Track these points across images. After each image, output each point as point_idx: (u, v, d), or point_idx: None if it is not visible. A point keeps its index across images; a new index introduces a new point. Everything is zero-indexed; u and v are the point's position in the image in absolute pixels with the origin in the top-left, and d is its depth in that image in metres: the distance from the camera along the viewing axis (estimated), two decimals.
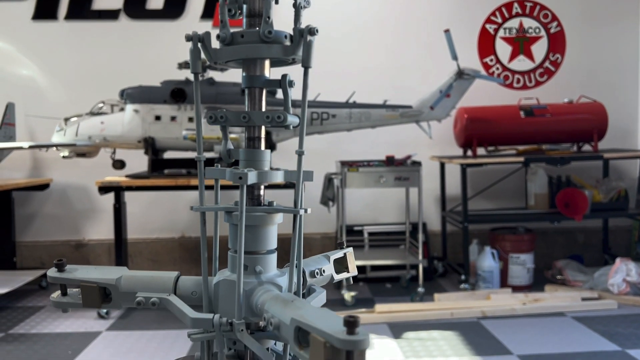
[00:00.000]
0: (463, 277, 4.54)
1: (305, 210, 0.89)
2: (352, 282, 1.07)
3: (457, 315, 3.95)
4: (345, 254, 1.04)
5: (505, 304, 4.05)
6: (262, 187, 0.92)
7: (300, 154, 0.85)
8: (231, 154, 0.89)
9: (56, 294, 0.96)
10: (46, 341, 3.61)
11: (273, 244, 0.91)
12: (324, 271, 0.99)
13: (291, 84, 0.86)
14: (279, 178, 0.89)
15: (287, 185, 3.70)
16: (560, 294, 4.27)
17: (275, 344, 0.91)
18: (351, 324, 0.58)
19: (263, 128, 0.90)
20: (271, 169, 0.90)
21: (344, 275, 1.04)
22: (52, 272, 0.94)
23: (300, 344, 0.67)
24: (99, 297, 0.93)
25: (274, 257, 0.91)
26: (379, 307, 4.00)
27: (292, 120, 0.86)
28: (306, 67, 0.83)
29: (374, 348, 3.33)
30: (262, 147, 0.90)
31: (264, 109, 0.88)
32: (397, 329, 3.72)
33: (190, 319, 0.85)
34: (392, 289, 4.76)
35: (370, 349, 0.65)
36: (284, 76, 0.85)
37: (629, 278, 4.24)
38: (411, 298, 4.34)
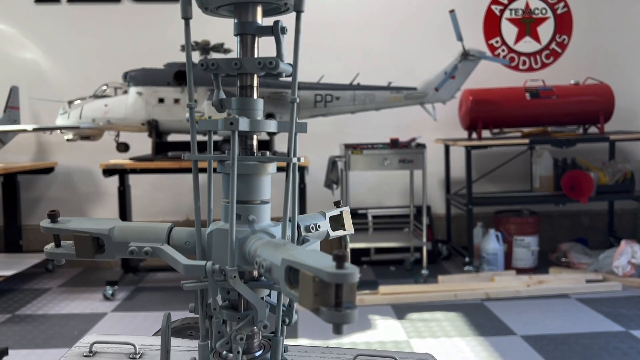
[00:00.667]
0: (467, 259, 4.54)
1: (299, 159, 0.88)
2: (349, 238, 1.06)
3: (460, 297, 3.95)
4: (341, 212, 1.03)
5: (509, 286, 4.06)
6: (255, 137, 0.91)
7: (293, 101, 0.84)
8: (223, 104, 0.88)
9: (50, 246, 0.96)
10: (52, 322, 3.65)
11: (267, 194, 0.91)
12: (319, 226, 0.98)
13: (283, 30, 0.85)
14: (272, 127, 0.88)
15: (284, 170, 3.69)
16: (564, 276, 4.27)
17: (269, 296, 0.91)
18: (340, 258, 0.58)
19: (255, 77, 0.89)
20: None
21: (340, 232, 1.04)
22: (45, 223, 0.94)
23: (291, 284, 0.67)
24: (92, 247, 0.93)
25: (267, 208, 0.91)
26: (383, 288, 4.01)
27: (285, 67, 0.85)
28: (298, 11, 0.82)
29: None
30: (255, 96, 0.89)
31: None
32: (400, 310, 3.73)
33: (182, 266, 0.85)
34: (395, 271, 4.77)
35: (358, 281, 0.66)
36: (276, 22, 0.84)
37: (634, 260, 4.23)
38: (415, 280, 4.35)
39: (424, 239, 4.47)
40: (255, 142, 0.92)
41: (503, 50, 5.25)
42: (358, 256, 4.91)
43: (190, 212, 5.25)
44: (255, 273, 0.92)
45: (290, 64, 0.85)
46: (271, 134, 4.26)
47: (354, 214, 5.00)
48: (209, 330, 0.92)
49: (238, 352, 0.87)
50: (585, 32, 5.27)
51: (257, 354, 0.94)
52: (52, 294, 4.32)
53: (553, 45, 5.26)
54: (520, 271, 4.53)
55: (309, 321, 3.42)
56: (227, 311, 0.91)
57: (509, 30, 5.25)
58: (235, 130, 0.81)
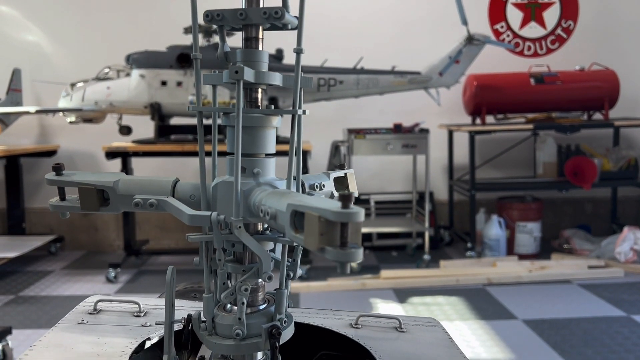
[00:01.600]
0: (469, 245, 4.54)
1: (304, 112, 0.87)
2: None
3: (462, 282, 3.96)
4: (345, 174, 1.03)
5: (511, 271, 4.06)
6: (260, 90, 0.91)
7: (298, 52, 0.84)
8: (228, 57, 0.87)
9: (55, 199, 0.96)
10: (55, 303, 3.67)
11: (272, 148, 0.91)
12: (323, 185, 0.98)
13: None
14: (277, 80, 0.87)
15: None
16: (566, 262, 4.27)
17: (274, 251, 0.91)
18: (346, 198, 0.58)
19: (261, 28, 0.88)
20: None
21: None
22: (50, 176, 0.93)
23: (296, 229, 0.67)
24: (97, 200, 0.92)
25: (272, 162, 0.91)
26: (385, 273, 4.02)
27: (290, 19, 0.84)
28: None
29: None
30: (260, 48, 0.88)
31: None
32: (402, 294, 3.74)
33: (187, 216, 0.85)
34: (398, 257, 4.77)
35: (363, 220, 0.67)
36: None
37: (637, 246, 4.23)
38: (417, 265, 4.35)
39: (427, 225, 4.46)
40: (260, 95, 0.91)
41: (508, 36, 5.21)
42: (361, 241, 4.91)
43: None
44: (260, 227, 0.92)
45: (295, 16, 0.84)
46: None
47: (357, 199, 4.99)
48: (213, 283, 0.93)
49: (242, 303, 0.87)
50: (591, 17, 5.22)
51: (261, 307, 0.94)
52: (55, 276, 4.34)
53: (559, 31, 5.21)
54: (523, 257, 4.53)
55: (312, 302, 3.44)
56: (232, 264, 0.91)
57: (514, 15, 5.20)
58: (240, 80, 0.80)
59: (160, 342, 1.07)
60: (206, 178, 0.90)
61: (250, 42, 0.88)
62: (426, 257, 4.40)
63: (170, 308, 0.92)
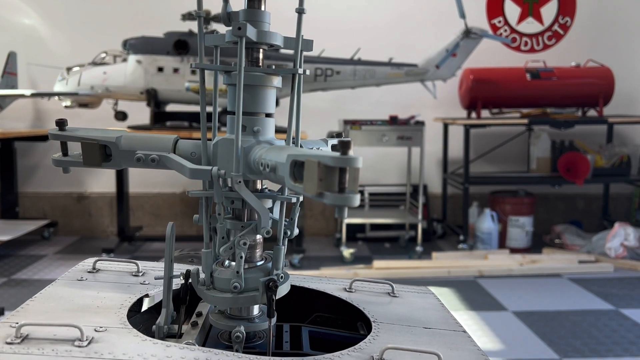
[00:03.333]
0: (462, 237, 4.57)
1: (304, 71, 0.89)
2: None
3: (454, 274, 3.99)
4: (334, 134, 1.05)
5: (503, 264, 4.09)
6: (261, 50, 0.92)
7: (300, 11, 0.85)
8: (231, 17, 0.88)
9: (57, 154, 0.97)
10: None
11: (272, 107, 0.92)
12: (320, 150, 1.00)
13: None
14: (278, 40, 0.89)
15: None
16: (557, 256, 4.31)
17: (272, 211, 0.93)
18: (345, 144, 0.59)
19: None
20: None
21: None
22: (53, 130, 0.95)
23: (295, 179, 0.68)
24: (100, 155, 0.93)
25: (272, 122, 0.92)
26: (377, 263, 4.04)
27: None
28: None
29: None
30: (263, 8, 0.89)
31: None
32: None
33: (189, 170, 0.87)
34: (390, 248, 4.80)
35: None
36: None
37: (627, 242, 4.27)
38: (409, 256, 4.38)
39: (420, 217, 4.49)
40: (261, 55, 0.92)
41: (505, 31, 5.22)
42: (353, 232, 4.94)
43: (187, 184, 5.25)
44: (259, 186, 0.94)
45: None
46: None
47: None
48: (212, 239, 0.95)
49: (241, 257, 0.89)
50: (588, 14, 5.24)
51: (259, 263, 0.96)
52: (48, 260, 4.34)
53: (556, 27, 5.23)
54: (514, 251, 4.56)
55: None
56: (231, 221, 0.93)
57: (512, 10, 5.21)
58: (242, 37, 0.81)
59: (159, 302, 1.09)
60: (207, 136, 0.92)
61: (253, 2, 0.89)
62: (418, 248, 4.43)
63: (169, 263, 0.94)
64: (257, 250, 0.95)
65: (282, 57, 4.20)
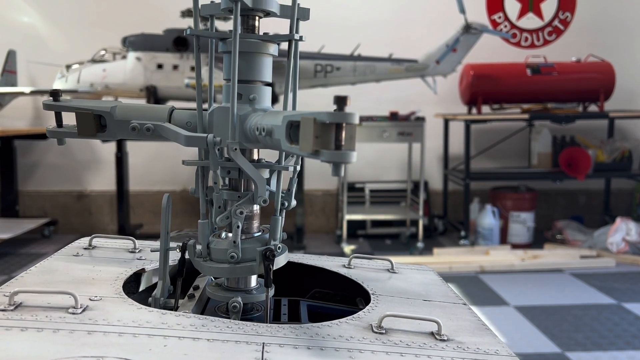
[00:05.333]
0: (463, 233, 4.56)
1: (301, 38, 0.88)
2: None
3: (455, 269, 3.98)
4: None
5: (504, 260, 4.08)
6: (258, 18, 0.91)
7: None
8: None
9: (52, 126, 0.97)
10: None
11: (268, 76, 0.92)
12: None
13: None
14: (274, 7, 0.89)
15: None
16: (559, 251, 4.29)
17: (269, 183, 0.92)
18: (341, 100, 0.58)
19: None
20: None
21: None
22: (47, 101, 0.94)
23: (291, 141, 0.67)
24: (94, 125, 0.93)
25: (268, 90, 0.92)
26: None
27: None
28: None
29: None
30: None
31: None
32: None
33: (184, 137, 0.86)
34: (391, 245, 4.79)
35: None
36: None
37: (629, 237, 4.25)
38: (410, 252, 4.37)
39: (421, 213, 4.48)
40: (257, 24, 0.91)
41: (505, 26, 5.20)
42: (354, 229, 4.92)
43: (187, 182, 5.24)
44: (255, 156, 0.93)
45: None
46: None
47: (352, 187, 5.00)
48: (208, 210, 0.94)
49: (237, 227, 0.88)
50: (588, 9, 5.23)
51: (256, 234, 0.95)
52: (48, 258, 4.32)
53: (556, 22, 5.21)
54: (516, 247, 4.55)
55: None
56: (228, 191, 0.92)
57: (512, 6, 5.20)
58: (238, 2, 0.81)
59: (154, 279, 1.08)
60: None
61: None
62: (420, 245, 4.42)
63: (165, 235, 0.93)
64: (254, 222, 0.95)
65: (281, 53, 4.19)
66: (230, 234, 0.91)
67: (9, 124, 5.01)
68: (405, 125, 4.35)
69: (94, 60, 4.32)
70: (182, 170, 5.21)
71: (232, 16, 0.82)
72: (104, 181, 5.18)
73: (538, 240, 4.76)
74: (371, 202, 5.04)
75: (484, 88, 4.69)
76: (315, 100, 4.93)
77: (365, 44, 4.49)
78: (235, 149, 0.83)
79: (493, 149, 5.14)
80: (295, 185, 0.94)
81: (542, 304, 3.31)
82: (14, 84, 4.83)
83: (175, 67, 4.20)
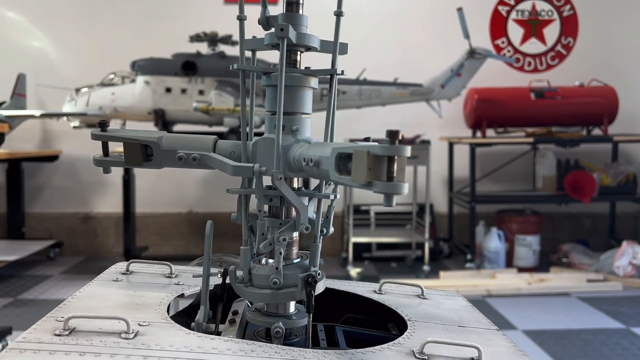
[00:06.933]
0: (469, 256, 4.56)
1: (342, 72, 0.91)
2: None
3: (462, 293, 3.95)
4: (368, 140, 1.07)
5: (511, 283, 4.07)
6: (299, 53, 0.94)
7: (338, 14, 0.89)
8: (270, 21, 0.91)
9: (98, 155, 0.99)
10: (54, 306, 3.62)
11: (309, 108, 0.95)
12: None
13: None
14: (315, 42, 0.92)
15: None
16: (565, 275, 4.28)
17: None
18: (394, 134, 0.60)
19: None
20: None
21: None
22: (95, 131, 0.97)
23: (340, 172, 0.70)
24: (141, 154, 0.95)
25: (309, 121, 0.95)
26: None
27: None
28: None
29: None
30: (301, 11, 0.91)
31: None
32: None
33: (231, 167, 0.89)
34: (397, 268, 4.78)
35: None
36: None
37: (635, 261, 4.24)
38: (416, 275, 4.36)
39: (426, 236, 4.48)
40: (299, 58, 0.95)
41: (509, 51, 5.28)
42: (360, 251, 4.92)
43: (193, 204, 5.26)
44: (296, 185, 0.95)
45: None
46: None
47: (357, 210, 5.02)
48: (250, 237, 0.96)
49: (280, 253, 0.90)
50: (590, 34, 5.30)
51: (295, 261, 0.97)
52: (53, 280, 4.33)
53: (558, 47, 5.29)
54: (522, 270, 4.53)
55: None
56: (269, 218, 0.95)
57: (515, 31, 5.28)
58: (284, 37, 0.84)
59: (193, 303, 1.10)
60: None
61: (292, 6, 0.92)
62: (426, 268, 4.41)
63: (208, 261, 0.95)
64: (294, 248, 0.97)
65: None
66: (270, 260, 0.93)
67: (18, 146, 5.06)
68: (411, 148, 4.38)
69: (103, 84, 4.38)
70: (188, 192, 5.24)
71: (273, 50, 0.86)
72: (109, 203, 5.21)
73: (544, 263, 4.75)
74: (376, 225, 5.04)
75: (489, 112, 4.74)
76: (321, 123, 4.98)
77: (371, 68, 4.55)
78: (280, 178, 0.86)
79: (498, 172, 5.16)
80: (333, 212, 0.97)
81: (550, 328, 3.29)
82: (23, 107, 4.89)
83: (183, 90, 4.25)
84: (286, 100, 0.91)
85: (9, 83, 4.85)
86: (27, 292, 3.98)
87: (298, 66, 0.95)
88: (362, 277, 4.32)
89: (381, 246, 4.97)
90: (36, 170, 5.18)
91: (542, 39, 5.29)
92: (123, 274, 1.20)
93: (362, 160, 0.63)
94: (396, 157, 0.62)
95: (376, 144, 0.63)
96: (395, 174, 0.62)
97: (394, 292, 1.21)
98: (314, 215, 0.95)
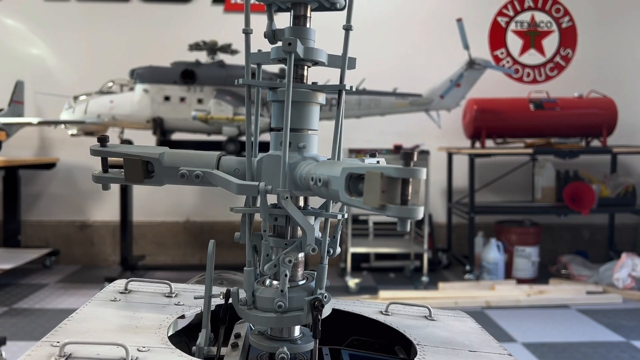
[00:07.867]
0: (468, 267, 4.53)
1: (352, 88, 0.89)
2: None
3: (461, 304, 3.93)
4: (378, 161, 1.04)
5: (510, 295, 4.04)
6: (306, 67, 0.92)
7: (347, 29, 0.86)
8: (276, 35, 0.88)
9: (97, 171, 0.96)
10: (50, 316, 3.61)
11: (316, 124, 0.92)
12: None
13: None
14: (323, 57, 0.90)
15: None
16: (564, 287, 4.26)
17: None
18: (408, 156, 0.58)
19: (309, 7, 0.90)
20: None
21: None
22: (94, 147, 0.94)
23: (350, 193, 0.67)
24: (142, 171, 0.92)
25: (316, 138, 0.92)
26: (383, 293, 3.99)
27: None
28: None
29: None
30: (308, 25, 0.89)
31: None
32: None
33: (235, 185, 0.86)
34: (395, 278, 4.75)
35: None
36: None
37: (635, 273, 4.22)
38: (415, 286, 4.33)
39: (425, 247, 4.46)
40: (306, 73, 0.92)
41: (508, 62, 5.28)
42: (358, 262, 4.89)
43: (190, 213, 5.23)
44: (301, 203, 0.92)
45: None
46: None
47: (356, 220, 4.99)
48: (254, 257, 0.92)
49: (285, 275, 0.87)
50: (589, 46, 5.31)
51: (301, 282, 0.94)
52: (49, 289, 4.29)
53: (557, 59, 5.30)
54: (521, 281, 4.51)
55: None
56: (274, 238, 0.91)
57: (514, 42, 5.29)
58: (292, 52, 0.81)
59: (193, 322, 1.07)
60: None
61: (299, 20, 0.89)
62: (424, 279, 4.38)
63: (209, 282, 0.92)
64: (299, 269, 0.94)
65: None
66: (275, 282, 0.91)
67: (15, 153, 5.03)
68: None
69: (101, 92, 4.36)
70: (185, 201, 5.21)
71: (279, 64, 0.84)
72: (106, 211, 5.17)
73: (543, 274, 4.73)
74: (375, 235, 5.02)
75: (488, 122, 4.73)
76: (320, 133, 4.97)
77: (370, 78, 4.54)
78: (287, 198, 0.83)
79: (497, 183, 5.15)
80: (339, 232, 0.94)
81: (550, 341, 3.27)
82: (20, 114, 4.87)
83: (182, 99, 4.24)
84: (293, 116, 0.88)
85: (6, 90, 4.83)
86: (22, 301, 3.94)
87: (305, 81, 0.93)
88: (361, 288, 4.29)
89: (379, 256, 4.94)
90: (33, 178, 5.15)
91: (541, 50, 5.31)
92: (121, 292, 1.17)
93: (375, 183, 0.60)
94: (411, 180, 0.59)
95: (390, 165, 0.60)
96: (409, 197, 0.60)
97: (400, 313, 1.18)
98: (320, 234, 0.92)
